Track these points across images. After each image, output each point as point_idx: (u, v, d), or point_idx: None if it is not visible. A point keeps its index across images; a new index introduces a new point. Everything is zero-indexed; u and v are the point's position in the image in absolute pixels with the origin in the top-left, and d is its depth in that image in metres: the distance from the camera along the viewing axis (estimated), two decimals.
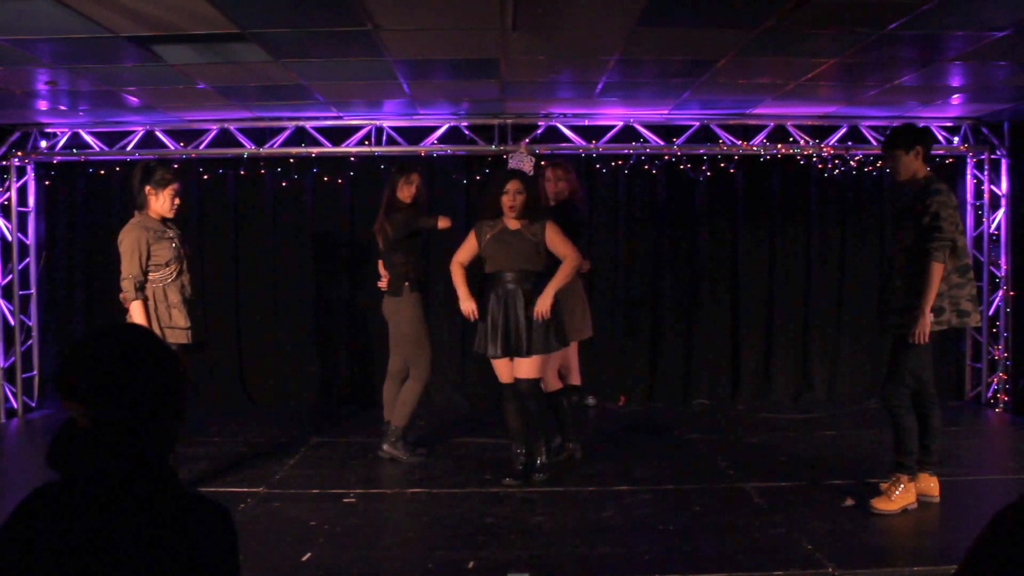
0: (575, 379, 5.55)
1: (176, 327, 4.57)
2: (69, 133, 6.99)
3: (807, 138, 7.03)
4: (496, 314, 4.78)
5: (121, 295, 4.56)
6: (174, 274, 4.61)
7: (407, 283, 5.37)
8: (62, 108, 6.35)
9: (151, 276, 4.55)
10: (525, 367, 4.80)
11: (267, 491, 4.82)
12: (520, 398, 4.84)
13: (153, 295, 4.55)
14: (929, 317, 4.15)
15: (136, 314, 4.47)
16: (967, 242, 7.10)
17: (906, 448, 4.31)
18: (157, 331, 4.50)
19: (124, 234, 4.57)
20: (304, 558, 3.80)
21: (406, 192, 5.42)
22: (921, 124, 6.89)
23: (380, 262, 5.65)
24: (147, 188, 4.61)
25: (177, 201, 4.68)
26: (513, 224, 4.84)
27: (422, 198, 5.55)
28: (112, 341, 1.49)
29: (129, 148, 6.97)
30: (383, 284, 5.56)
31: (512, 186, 4.82)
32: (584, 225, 5.82)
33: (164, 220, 4.67)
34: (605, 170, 7.27)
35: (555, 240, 4.82)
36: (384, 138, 6.97)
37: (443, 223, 5.41)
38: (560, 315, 4.91)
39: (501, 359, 4.84)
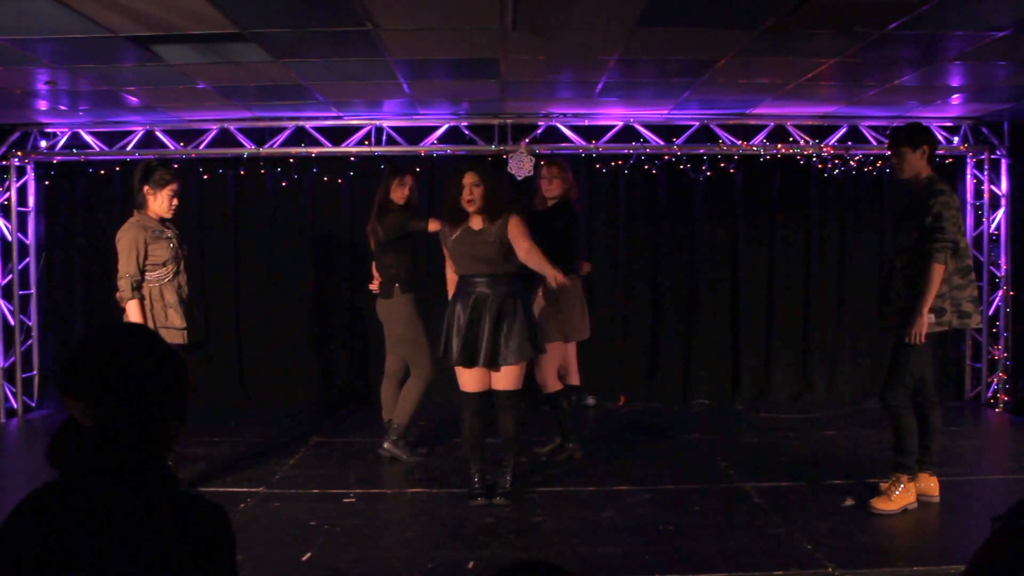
0: (574, 379, 5.55)
1: (172, 327, 4.56)
2: (69, 133, 6.99)
3: (807, 138, 7.03)
4: (463, 319, 4.43)
5: (117, 294, 4.56)
6: (171, 274, 4.61)
7: (397, 284, 5.37)
8: (62, 108, 6.35)
9: (148, 276, 4.55)
10: (505, 378, 4.47)
11: (267, 491, 4.82)
12: (500, 411, 4.52)
13: (149, 294, 4.54)
14: (928, 318, 4.14)
15: (132, 313, 4.47)
16: (968, 242, 7.15)
17: (906, 448, 4.31)
18: None
19: (122, 233, 4.57)
20: (304, 558, 3.80)
21: (399, 193, 5.42)
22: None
23: (373, 263, 5.64)
24: (145, 188, 4.61)
25: (175, 201, 4.67)
26: (476, 224, 4.50)
27: (415, 199, 5.55)
28: (116, 340, 1.50)
29: (129, 148, 6.97)
30: (374, 286, 5.56)
31: (468, 179, 4.45)
32: (580, 225, 5.79)
33: (162, 220, 4.67)
34: (605, 170, 7.27)
35: (516, 233, 4.44)
36: (384, 138, 6.97)
37: (434, 226, 5.34)
38: (536, 320, 4.77)
39: (472, 368, 4.46)
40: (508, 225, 4.45)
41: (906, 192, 4.46)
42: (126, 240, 4.53)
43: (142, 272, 4.52)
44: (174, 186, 4.65)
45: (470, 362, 4.44)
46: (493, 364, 4.43)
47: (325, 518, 4.33)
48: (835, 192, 7.36)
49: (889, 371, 4.37)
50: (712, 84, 5.71)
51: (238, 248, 7.39)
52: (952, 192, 4.26)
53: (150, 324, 4.50)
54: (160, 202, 4.62)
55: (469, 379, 4.51)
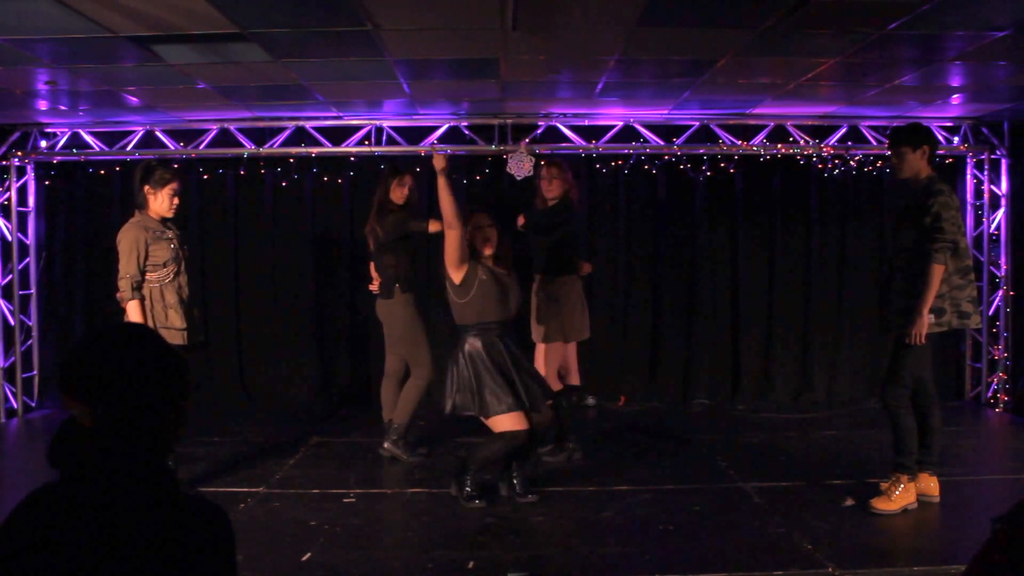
0: (574, 379, 5.55)
1: (172, 328, 4.55)
2: (69, 133, 6.99)
3: (807, 138, 7.03)
4: (501, 367, 4.35)
5: (118, 294, 4.55)
6: (172, 275, 4.60)
7: (398, 284, 5.37)
8: (62, 108, 6.35)
9: (149, 276, 4.54)
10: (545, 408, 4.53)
11: (267, 491, 4.81)
12: (536, 435, 4.48)
13: (150, 295, 4.54)
14: (928, 318, 4.15)
15: (133, 314, 4.47)
16: (967, 242, 7.15)
17: (906, 448, 4.31)
18: None
19: (123, 233, 4.57)
20: (304, 558, 3.80)
21: (399, 194, 5.42)
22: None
23: (372, 264, 5.64)
24: (146, 188, 4.60)
25: (176, 201, 4.67)
26: (496, 267, 4.48)
27: (415, 200, 5.55)
28: (117, 340, 1.50)
29: (129, 148, 6.97)
30: (374, 287, 5.56)
31: (483, 220, 4.45)
32: (580, 225, 5.79)
33: (164, 220, 4.67)
34: (605, 170, 7.27)
35: None
36: (384, 138, 6.97)
37: (434, 227, 5.35)
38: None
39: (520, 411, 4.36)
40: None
41: (905, 192, 4.46)
42: (127, 241, 4.53)
43: (142, 273, 4.52)
44: (175, 185, 4.64)
45: (522, 407, 4.37)
46: (543, 399, 4.46)
47: (325, 518, 4.33)
48: (835, 192, 7.37)
49: (888, 371, 4.38)
50: (712, 84, 5.71)
51: (238, 248, 7.39)
52: (951, 192, 4.26)
53: (150, 325, 4.49)
54: (161, 202, 4.61)
55: (519, 420, 4.35)
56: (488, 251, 4.45)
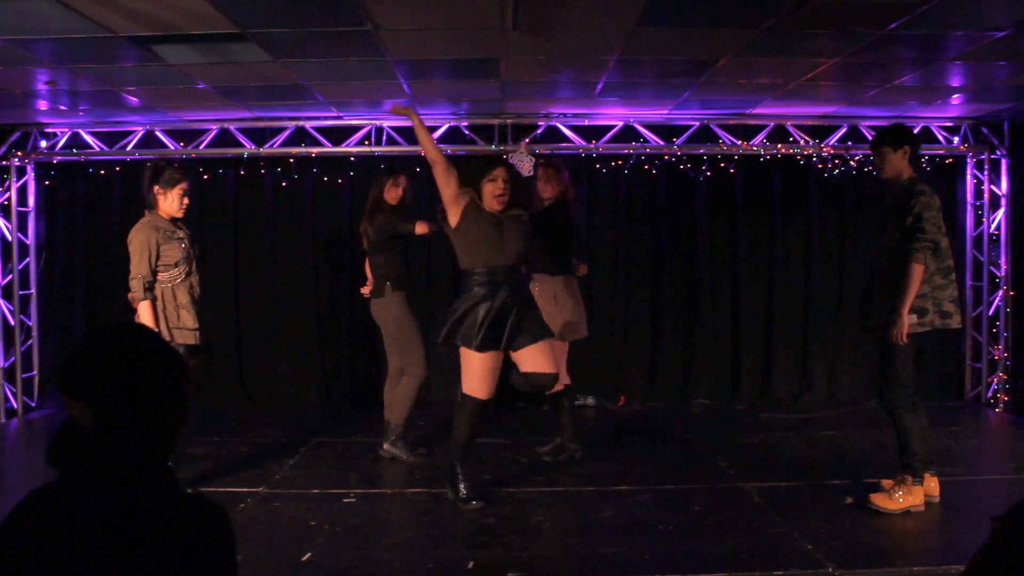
0: (563, 379, 5.53)
1: (184, 328, 4.57)
2: (69, 133, 6.99)
3: (807, 138, 7.03)
4: (489, 310, 4.30)
5: (129, 295, 4.55)
6: (183, 274, 4.61)
7: (389, 283, 5.37)
8: (62, 108, 6.35)
9: (160, 276, 4.55)
10: (543, 360, 4.39)
11: (267, 491, 4.82)
12: (548, 398, 4.48)
13: (162, 295, 4.55)
14: (909, 318, 4.15)
15: (144, 314, 4.47)
16: (967, 243, 7.16)
17: (909, 448, 4.30)
18: (165, 332, 4.50)
19: (134, 233, 4.57)
20: (304, 558, 3.80)
21: (393, 194, 5.43)
22: (921, 124, 6.92)
23: (367, 263, 5.64)
24: (155, 188, 4.61)
25: (186, 200, 4.68)
26: (499, 214, 4.45)
27: (409, 200, 5.55)
28: (116, 341, 1.50)
29: (129, 148, 6.97)
30: (365, 290, 5.57)
31: (502, 173, 4.40)
32: (575, 226, 5.77)
33: (174, 220, 4.67)
34: (605, 170, 7.28)
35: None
36: (384, 138, 6.97)
37: (420, 229, 5.34)
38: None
39: (494, 361, 4.38)
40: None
41: (888, 193, 4.48)
42: (137, 241, 4.53)
43: (154, 273, 4.52)
44: (184, 185, 4.66)
45: (504, 345, 4.34)
46: (528, 341, 4.36)
47: (325, 518, 4.33)
48: (835, 192, 7.37)
49: (882, 373, 4.36)
50: (712, 84, 5.71)
51: (238, 248, 7.39)
52: (933, 192, 4.25)
53: (162, 325, 4.51)
54: (171, 202, 4.62)
55: (491, 382, 4.40)
56: (497, 205, 4.40)
